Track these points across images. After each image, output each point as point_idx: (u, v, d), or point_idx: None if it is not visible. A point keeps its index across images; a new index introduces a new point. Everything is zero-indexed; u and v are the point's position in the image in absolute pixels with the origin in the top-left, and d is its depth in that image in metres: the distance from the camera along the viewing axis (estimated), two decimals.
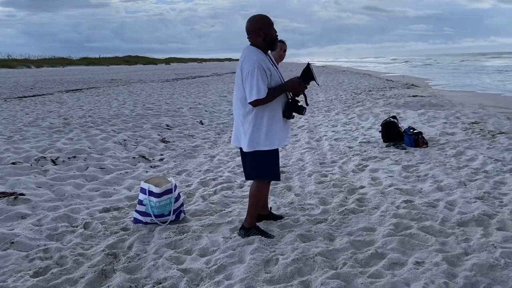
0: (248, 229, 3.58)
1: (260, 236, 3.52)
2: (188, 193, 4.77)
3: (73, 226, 3.84)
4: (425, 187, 4.72)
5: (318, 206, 4.25)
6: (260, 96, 3.19)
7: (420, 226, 3.62)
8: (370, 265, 3.06)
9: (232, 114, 10.85)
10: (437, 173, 5.19)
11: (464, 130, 7.72)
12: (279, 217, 3.96)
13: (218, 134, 8.52)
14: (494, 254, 3.07)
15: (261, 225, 3.74)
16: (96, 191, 4.85)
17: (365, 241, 3.43)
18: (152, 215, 3.82)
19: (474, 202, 4.14)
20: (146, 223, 3.86)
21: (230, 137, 8.04)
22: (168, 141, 7.55)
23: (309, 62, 3.46)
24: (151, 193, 3.85)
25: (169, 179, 4.10)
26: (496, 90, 17.36)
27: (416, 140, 6.62)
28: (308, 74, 3.38)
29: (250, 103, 3.25)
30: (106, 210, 4.25)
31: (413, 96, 13.68)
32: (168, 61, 77.85)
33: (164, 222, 3.85)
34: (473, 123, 8.42)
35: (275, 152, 3.47)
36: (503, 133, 7.31)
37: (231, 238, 3.55)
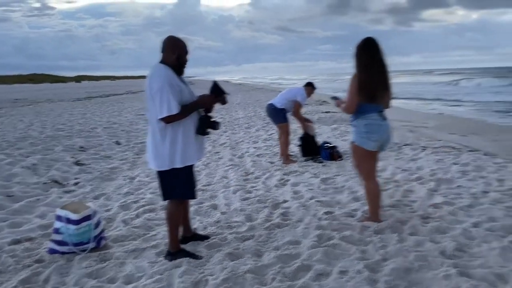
0: (174, 253, 3.49)
1: (187, 258, 3.45)
2: (108, 218, 4.53)
3: None
4: (342, 198, 4.97)
5: (245, 223, 4.28)
6: (171, 112, 3.16)
7: (341, 236, 3.80)
8: (298, 278, 3.13)
9: None
10: (352, 184, 5.49)
11: None
12: (206, 237, 3.91)
13: (137, 154, 8.24)
14: (409, 258, 3.31)
15: (188, 246, 3.68)
16: (3, 222, 4.41)
17: (291, 254, 3.51)
18: (71, 244, 3.58)
19: (388, 210, 4.44)
20: (63, 253, 3.59)
21: None
22: (83, 164, 7.15)
23: (215, 80, 3.58)
24: (68, 220, 3.60)
25: (87, 204, 3.88)
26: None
27: (332, 154, 6.98)
28: (217, 90, 3.43)
29: (161, 119, 3.20)
30: (17, 242, 3.88)
31: (326, 112, 14.42)
32: (78, 79, 74.16)
33: (83, 251, 3.62)
34: None
35: (190, 170, 3.45)
36: (408, 144, 7.98)
37: (157, 263, 3.44)
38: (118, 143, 9.17)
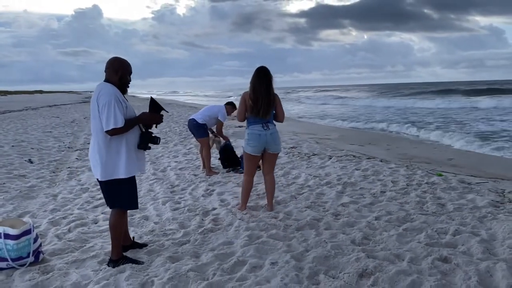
0: (116, 260, 3.71)
1: (130, 264, 3.70)
2: (40, 234, 4.54)
3: None
4: (265, 202, 5.50)
5: (179, 230, 4.60)
6: (117, 125, 3.45)
7: (268, 234, 4.32)
8: (235, 272, 3.56)
9: (63, 151, 10.25)
10: None
11: (287, 154, 9.04)
12: (144, 245, 4.17)
13: (53, 172, 8.03)
14: (326, 248, 3.92)
15: (128, 254, 3.90)
16: None
17: (227, 253, 3.93)
18: (9, 259, 3.62)
19: (305, 210, 5.08)
20: (0, 269, 3.62)
21: (68, 174, 7.67)
22: None
23: (152, 96, 3.88)
24: (7, 236, 3.64)
25: (24, 219, 3.93)
26: None
27: None
28: (155, 106, 3.77)
29: (107, 131, 3.47)
30: None
31: (239, 126, 15.06)
32: None
33: (22, 265, 3.68)
34: (292, 147, 9.89)
35: (133, 180, 3.73)
36: (316, 154, 8.85)
37: (101, 270, 3.62)
38: (31, 161, 8.81)
